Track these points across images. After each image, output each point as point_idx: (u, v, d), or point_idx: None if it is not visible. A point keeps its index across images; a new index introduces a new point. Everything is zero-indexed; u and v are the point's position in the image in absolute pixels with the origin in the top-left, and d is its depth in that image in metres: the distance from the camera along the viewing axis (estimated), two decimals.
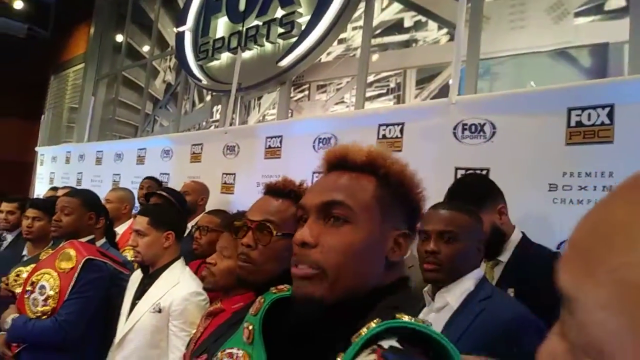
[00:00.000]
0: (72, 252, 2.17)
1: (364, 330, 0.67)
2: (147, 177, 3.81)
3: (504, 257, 1.76)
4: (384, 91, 3.72)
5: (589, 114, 2.08)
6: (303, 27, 3.90)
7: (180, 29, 5.11)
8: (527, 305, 1.32)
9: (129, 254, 2.68)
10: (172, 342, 1.87)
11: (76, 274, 2.10)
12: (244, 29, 4.33)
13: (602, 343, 0.30)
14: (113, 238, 2.71)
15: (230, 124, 4.02)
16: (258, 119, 4.81)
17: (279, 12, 4.11)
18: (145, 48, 6.48)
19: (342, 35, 3.97)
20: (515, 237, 1.79)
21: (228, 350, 1.13)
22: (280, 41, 4.12)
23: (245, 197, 3.42)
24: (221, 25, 4.76)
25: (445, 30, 3.50)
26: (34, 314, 2.10)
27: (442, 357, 0.67)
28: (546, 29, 2.96)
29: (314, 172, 2.94)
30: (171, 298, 1.90)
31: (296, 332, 1.02)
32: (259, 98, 4.87)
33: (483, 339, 1.22)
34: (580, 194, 2.06)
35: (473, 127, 2.40)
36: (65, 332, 2.03)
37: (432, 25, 3.60)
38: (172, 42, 5.67)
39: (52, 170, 6.46)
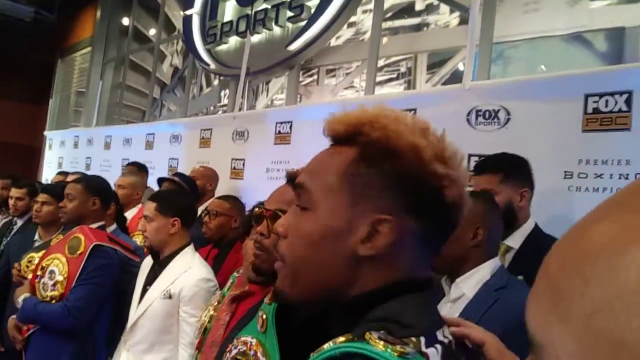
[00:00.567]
0: (82, 238, 2.17)
1: (325, 346, 0.57)
2: (130, 163, 3.82)
3: (515, 244, 1.74)
4: (394, 76, 3.67)
5: (607, 101, 2.05)
6: (312, 11, 3.84)
7: (188, 12, 5.05)
8: None
9: (138, 239, 2.69)
10: (182, 328, 1.89)
11: (84, 260, 2.10)
12: (253, 12, 4.27)
13: None
14: (123, 224, 2.71)
15: (240, 109, 3.99)
16: (266, 103, 4.77)
17: None
18: (152, 31, 6.44)
19: (352, 19, 3.91)
20: (528, 226, 1.77)
21: (243, 339, 1.12)
22: (289, 25, 4.06)
23: (255, 183, 3.41)
24: (229, 9, 4.70)
25: (456, 13, 3.44)
26: (43, 299, 2.11)
27: None
28: (561, 12, 2.90)
29: None
30: (181, 284, 1.91)
31: (304, 325, 1.01)
32: (267, 82, 4.83)
33: (496, 330, 1.20)
34: (597, 182, 2.03)
35: (487, 114, 2.36)
36: (74, 318, 2.04)
37: (444, 8, 3.53)
38: (179, 25, 5.61)
39: (60, 154, 6.47)
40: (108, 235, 2.30)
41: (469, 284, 1.34)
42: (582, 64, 2.78)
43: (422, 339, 0.57)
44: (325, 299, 0.66)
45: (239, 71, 3.96)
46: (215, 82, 5.43)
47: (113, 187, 2.96)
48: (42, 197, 2.72)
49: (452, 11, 3.47)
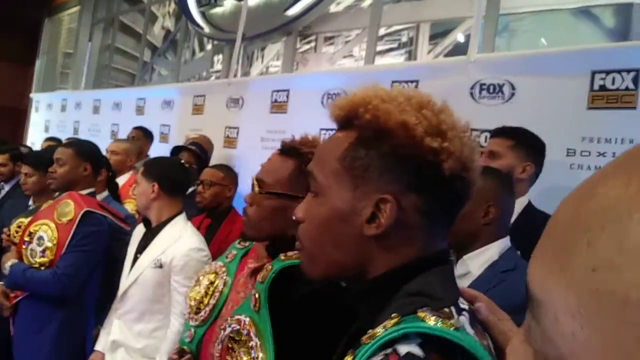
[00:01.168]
0: (71, 204, 2.12)
1: (379, 330, 0.58)
2: (136, 128, 3.72)
3: None
4: (395, 45, 3.58)
5: (614, 78, 2.02)
6: None
7: None
8: None
9: (129, 207, 2.64)
10: (173, 298, 1.87)
11: (74, 227, 2.06)
12: None
13: (569, 356, 0.25)
14: (115, 191, 2.65)
15: (235, 76, 3.88)
16: (261, 70, 4.67)
17: None
18: None
19: None
20: (523, 200, 1.77)
21: (237, 317, 1.11)
22: None
23: (249, 152, 3.34)
24: None
25: None
26: (32, 265, 2.07)
27: None
28: None
29: (321, 129, 2.87)
30: (172, 253, 1.88)
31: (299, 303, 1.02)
32: (263, 49, 4.72)
33: None
34: (599, 160, 2.01)
35: (492, 88, 2.31)
36: (63, 285, 2.01)
37: None
38: None
39: (47, 118, 6.33)
40: (98, 203, 2.25)
41: (476, 262, 1.31)
42: (589, 39, 2.73)
43: (453, 309, 0.60)
44: (343, 278, 0.71)
45: (234, 36, 3.83)
46: (209, 47, 5.29)
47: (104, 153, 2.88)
48: (24, 168, 2.64)
49: None
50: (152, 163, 2.13)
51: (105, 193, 2.53)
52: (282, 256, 1.14)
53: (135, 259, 1.96)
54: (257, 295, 1.10)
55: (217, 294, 1.30)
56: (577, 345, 0.25)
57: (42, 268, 2.05)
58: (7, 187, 3.24)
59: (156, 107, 4.42)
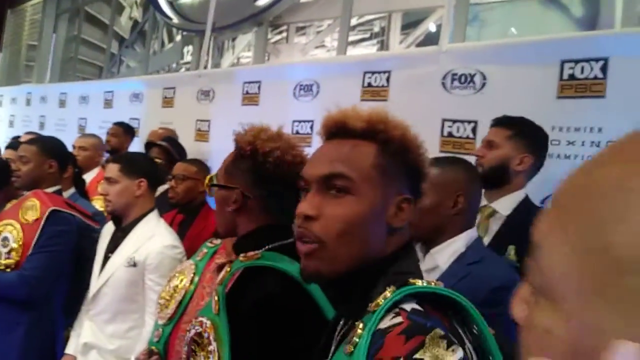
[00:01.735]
0: (37, 203, 2.05)
1: (381, 300, 0.70)
2: (116, 123, 3.60)
3: (502, 209, 1.72)
4: (367, 35, 3.56)
5: (582, 67, 2.04)
6: None
7: None
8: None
9: (97, 204, 2.57)
10: (148, 296, 1.84)
11: (40, 226, 2.00)
12: None
13: (555, 282, 0.32)
14: (83, 188, 2.58)
15: (205, 67, 3.81)
16: (232, 61, 4.60)
17: None
18: None
19: None
20: (519, 194, 1.74)
21: (200, 318, 1.10)
22: None
23: (221, 145, 3.28)
24: None
25: None
26: None
27: (461, 315, 0.72)
28: None
29: (294, 121, 2.84)
30: (146, 252, 1.85)
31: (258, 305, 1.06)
32: (233, 39, 4.65)
33: None
34: (568, 149, 2.04)
35: (463, 78, 2.31)
36: (30, 288, 1.96)
37: None
38: None
39: (12, 112, 6.13)
40: (65, 201, 2.19)
41: (443, 255, 1.30)
42: (558, 28, 2.76)
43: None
44: (358, 267, 0.77)
45: (204, 26, 3.76)
46: (178, 38, 5.18)
47: (70, 149, 2.79)
48: None
49: None
50: (131, 159, 2.06)
51: (72, 190, 2.45)
52: (241, 257, 1.13)
53: (107, 258, 1.92)
54: (216, 298, 1.09)
55: (183, 291, 1.28)
56: (561, 273, 0.32)
57: (8, 270, 1.98)
58: None
59: (125, 101, 4.31)
